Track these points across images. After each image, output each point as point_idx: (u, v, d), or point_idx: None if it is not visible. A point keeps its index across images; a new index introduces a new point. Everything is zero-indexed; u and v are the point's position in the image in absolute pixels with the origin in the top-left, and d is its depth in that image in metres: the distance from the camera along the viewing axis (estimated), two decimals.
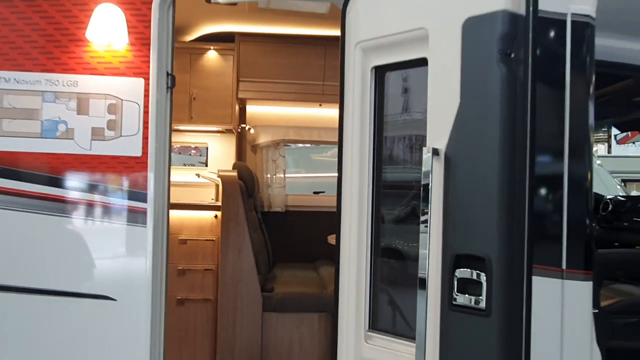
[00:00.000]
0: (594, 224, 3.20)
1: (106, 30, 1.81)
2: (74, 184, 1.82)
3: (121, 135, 1.84)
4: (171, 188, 2.06)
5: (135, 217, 1.84)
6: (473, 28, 1.51)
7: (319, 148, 4.93)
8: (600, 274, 2.39)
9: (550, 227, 1.81)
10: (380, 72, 1.78)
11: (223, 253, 3.36)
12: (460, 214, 1.53)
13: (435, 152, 1.55)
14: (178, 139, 4.26)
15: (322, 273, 3.88)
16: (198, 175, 4.27)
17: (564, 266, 1.84)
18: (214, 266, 3.67)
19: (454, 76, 1.53)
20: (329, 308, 3.21)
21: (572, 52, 1.81)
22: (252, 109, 4.53)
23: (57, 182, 1.82)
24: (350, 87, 1.81)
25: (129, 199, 1.84)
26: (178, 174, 4.13)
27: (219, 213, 3.55)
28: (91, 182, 1.83)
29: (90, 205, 1.83)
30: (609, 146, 20.53)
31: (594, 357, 1.86)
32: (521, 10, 1.49)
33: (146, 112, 1.85)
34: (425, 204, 1.55)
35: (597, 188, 7.74)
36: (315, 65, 4.13)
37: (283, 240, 4.42)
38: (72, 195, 1.82)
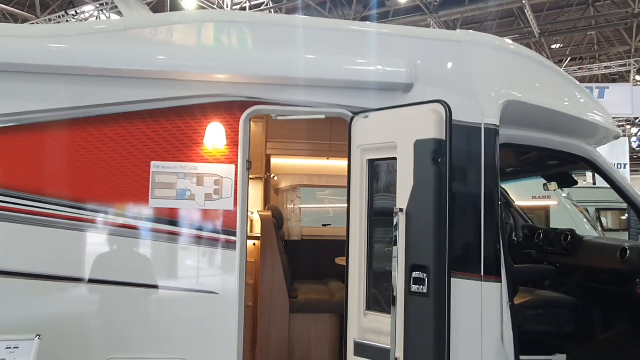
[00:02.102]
0: (508, 249, 4.52)
1: (214, 138, 3.15)
2: (196, 226, 3.13)
3: (222, 198, 3.16)
4: None
5: (229, 245, 3.14)
6: (419, 145, 2.85)
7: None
8: (516, 281, 3.70)
9: (473, 250, 3.11)
10: (371, 162, 3.14)
11: (261, 271, 4.65)
12: (414, 242, 2.84)
13: (401, 210, 2.88)
14: None
15: (330, 286, 5.16)
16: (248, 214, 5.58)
17: (482, 273, 3.13)
18: (253, 281, 4.96)
19: (410, 170, 2.87)
20: (337, 310, 4.48)
21: (486, 147, 3.16)
22: (275, 161, 5.87)
23: (186, 225, 3.13)
24: (355, 172, 3.16)
25: (226, 234, 3.15)
26: None
27: (257, 242, 4.85)
28: (206, 224, 3.14)
29: (204, 238, 3.13)
30: (594, 176, 21.81)
31: (504, 328, 3.11)
32: (443, 137, 2.84)
33: (236, 184, 3.17)
34: (396, 237, 2.87)
35: (562, 218, 9.11)
36: (324, 129, 5.44)
37: (300, 262, 5.70)
38: (196, 232, 3.12)
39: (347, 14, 16.58)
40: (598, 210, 12.80)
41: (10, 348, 2.64)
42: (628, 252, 3.85)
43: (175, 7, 14.87)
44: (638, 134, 24.44)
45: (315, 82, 3.19)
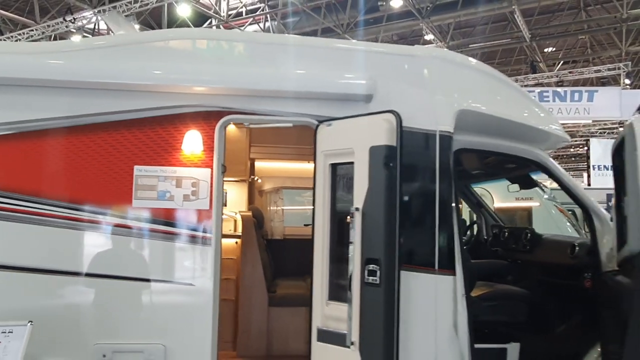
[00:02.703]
0: (464, 246, 4.85)
1: (192, 144, 3.49)
2: (175, 224, 3.46)
3: (198, 198, 3.49)
4: None
5: (205, 241, 3.47)
6: (374, 151, 3.18)
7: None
8: (473, 274, 4.02)
9: (428, 246, 3.44)
10: (333, 166, 3.47)
11: (242, 267, 4.98)
12: (368, 238, 3.17)
13: (357, 209, 3.21)
14: None
15: (309, 282, 5.47)
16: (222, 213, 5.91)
17: (436, 267, 3.46)
18: (234, 277, 5.29)
19: (366, 173, 3.20)
20: None
21: (440, 152, 3.49)
22: (259, 164, 6.21)
23: (165, 223, 3.46)
24: (319, 175, 3.49)
25: (202, 231, 3.48)
26: None
27: (238, 240, 5.19)
28: (184, 223, 3.47)
29: (182, 235, 3.46)
30: (588, 179, 22.10)
31: (458, 318, 3.43)
32: (394, 143, 3.17)
33: (211, 186, 3.50)
34: (354, 234, 3.20)
35: (545, 220, 9.40)
36: (305, 134, 5.75)
37: (282, 259, 6.03)
38: (175, 230, 3.45)
39: (341, 18, 16.92)
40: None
41: (5, 332, 2.97)
42: (577, 248, 4.17)
43: (171, 14, 15.23)
44: None
45: (284, 93, 3.52)
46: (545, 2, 16.09)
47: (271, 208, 6.16)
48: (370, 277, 3.12)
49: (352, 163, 3.28)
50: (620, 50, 19.38)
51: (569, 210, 11.23)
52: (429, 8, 16.00)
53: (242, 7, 16.43)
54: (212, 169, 3.50)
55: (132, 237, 3.44)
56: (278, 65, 3.58)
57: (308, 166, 6.18)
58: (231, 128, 5.94)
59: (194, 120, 3.51)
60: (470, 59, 3.97)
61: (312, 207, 3.58)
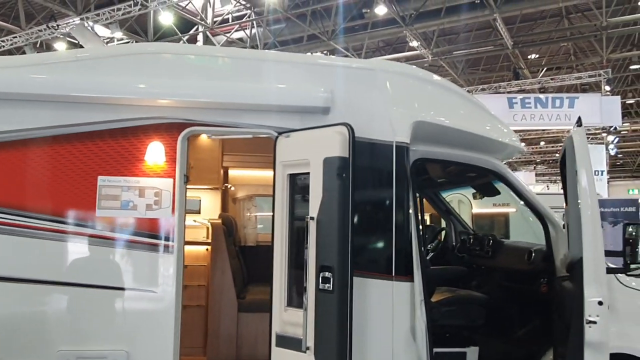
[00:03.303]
0: (428, 251, 4.99)
1: (154, 155, 3.59)
2: (138, 232, 3.56)
3: (161, 208, 3.60)
4: None
5: (167, 249, 3.58)
6: (327, 162, 3.30)
7: None
8: (432, 280, 4.15)
9: (385, 253, 3.56)
10: (291, 176, 3.59)
11: (212, 273, 5.08)
12: (322, 246, 3.29)
13: (312, 218, 3.32)
14: None
15: None
16: (195, 221, 6.01)
17: (393, 274, 3.58)
18: (205, 283, 5.38)
19: (320, 183, 3.32)
20: None
21: (397, 161, 3.62)
22: (233, 173, 6.32)
23: (129, 232, 3.56)
24: (278, 184, 3.61)
25: (164, 239, 3.58)
26: None
27: (209, 247, 5.28)
28: (146, 231, 3.57)
29: (145, 244, 3.56)
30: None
31: (416, 323, 3.54)
32: (347, 155, 3.29)
33: (174, 195, 3.61)
34: (309, 242, 3.32)
35: (521, 225, 9.53)
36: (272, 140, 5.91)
37: (255, 266, 6.12)
38: (137, 238, 3.55)
39: (326, 25, 17.10)
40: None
41: None
42: (533, 254, 4.32)
43: (157, 21, 15.31)
44: (615, 142, 25.11)
45: (244, 106, 3.65)
46: (527, 10, 16.35)
47: (244, 215, 6.26)
48: (324, 284, 3.23)
49: (308, 173, 3.40)
50: (601, 57, 19.70)
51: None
52: (412, 15, 16.19)
53: (227, 14, 16.53)
54: (174, 179, 3.61)
55: (95, 246, 3.53)
56: (238, 79, 3.71)
57: None
58: (204, 137, 6.07)
59: (157, 132, 3.62)
60: (432, 74, 4.12)
61: (272, 215, 3.69)
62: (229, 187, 6.24)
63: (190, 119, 3.65)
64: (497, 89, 20.44)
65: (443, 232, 6.06)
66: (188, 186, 5.95)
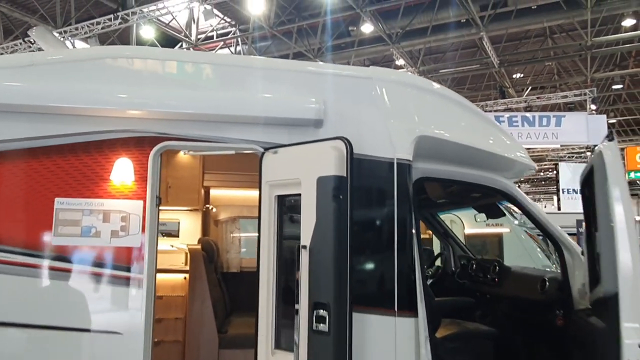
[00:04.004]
0: (430, 281, 4.55)
1: (122, 173, 3.12)
2: (101, 263, 3.06)
3: (128, 234, 3.11)
4: None
5: (136, 282, 3.08)
6: (321, 182, 2.87)
7: None
8: (437, 314, 3.70)
9: (386, 285, 3.11)
10: (279, 198, 3.14)
11: (190, 305, 4.57)
12: (316, 280, 2.83)
13: (304, 247, 2.87)
14: None
15: None
16: (172, 245, 5.51)
17: (396, 309, 3.13)
18: (183, 315, 4.86)
19: (313, 206, 2.88)
20: None
21: (398, 181, 3.20)
22: (215, 192, 5.85)
23: (90, 263, 3.06)
24: (265, 207, 3.16)
25: (132, 271, 3.09)
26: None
27: (187, 275, 4.78)
28: (111, 262, 3.08)
29: (109, 276, 3.07)
30: (558, 202, 22.33)
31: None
32: (344, 173, 2.86)
33: (144, 220, 3.13)
34: (300, 275, 2.86)
35: (515, 246, 9.18)
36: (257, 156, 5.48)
37: (239, 294, 5.62)
38: (100, 270, 3.05)
39: (312, 43, 16.87)
40: None
41: None
42: (547, 283, 3.91)
43: (140, 36, 14.88)
44: None
45: (225, 117, 3.21)
46: (512, 29, 16.36)
47: (227, 239, 5.77)
48: (319, 324, 2.77)
49: (299, 195, 2.96)
50: (585, 76, 19.82)
51: (538, 235, 11.08)
52: (399, 34, 16.10)
53: (212, 31, 16.20)
54: (145, 201, 3.14)
55: (51, 279, 3.03)
56: (219, 87, 3.27)
57: None
58: (182, 154, 5.60)
59: (125, 147, 3.16)
60: (433, 83, 3.72)
61: (257, 242, 3.23)
62: (210, 208, 5.76)
63: (163, 132, 3.20)
64: (484, 107, 20.35)
65: (442, 257, 5.63)
66: (165, 207, 5.54)
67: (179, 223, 5.74)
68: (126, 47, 4.75)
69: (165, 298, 4.88)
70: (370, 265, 3.10)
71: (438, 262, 5.79)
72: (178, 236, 5.72)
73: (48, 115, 3.07)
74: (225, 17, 15.77)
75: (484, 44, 16.75)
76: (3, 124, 3.03)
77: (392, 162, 3.20)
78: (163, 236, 5.74)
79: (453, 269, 5.53)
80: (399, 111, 3.36)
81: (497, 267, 4.56)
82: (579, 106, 21.76)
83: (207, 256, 4.78)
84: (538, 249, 10.73)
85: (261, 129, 3.25)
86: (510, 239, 10.54)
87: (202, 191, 5.59)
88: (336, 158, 2.85)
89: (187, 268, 4.89)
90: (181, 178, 5.46)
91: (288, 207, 3.13)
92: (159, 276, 4.94)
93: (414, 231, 3.26)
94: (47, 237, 3.04)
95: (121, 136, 3.16)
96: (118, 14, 12.25)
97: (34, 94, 3.02)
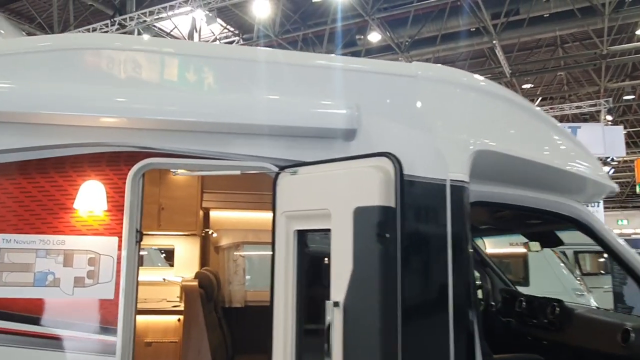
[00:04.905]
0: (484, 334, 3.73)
1: (89, 201, 2.35)
2: (61, 323, 2.28)
3: (98, 283, 2.33)
4: (140, 287, 2.48)
5: (107, 348, 2.30)
6: (360, 214, 2.10)
7: None
8: None
9: (438, 352, 2.31)
10: (300, 235, 2.36)
11: (184, 355, 3.77)
12: (354, 349, 2.04)
13: (337, 304, 2.09)
14: (146, 242, 4.72)
15: None
16: (164, 279, 4.72)
17: None
18: None
19: (349, 248, 2.10)
20: None
21: (453, 208, 2.42)
22: (215, 214, 5.07)
23: (46, 322, 2.28)
24: (280, 245, 2.38)
25: (103, 333, 2.30)
26: (147, 274, 4.55)
27: (181, 317, 3.99)
28: (74, 321, 2.29)
29: (71, 340, 2.28)
30: None
31: None
32: (392, 203, 2.09)
33: (119, 263, 2.35)
34: (332, 342, 2.07)
35: (539, 264, 8.31)
36: (268, 178, 4.72)
37: (243, 333, 4.83)
38: (60, 332, 2.27)
39: (318, 51, 16.31)
40: (576, 253, 12.33)
41: None
42: (632, 335, 3.10)
43: None
44: (610, 172, 24.56)
45: (228, 127, 2.43)
46: (524, 38, 15.77)
47: (229, 268, 4.98)
48: None
49: (327, 231, 2.18)
50: (598, 86, 19.23)
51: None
52: (407, 43, 15.52)
53: (214, 40, 15.60)
54: (120, 237, 2.36)
55: None
56: (220, 87, 2.49)
57: None
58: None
59: (94, 165, 2.40)
60: (493, 82, 2.94)
61: (270, 289, 2.44)
62: (210, 232, 4.97)
63: (145, 145, 2.43)
64: None
65: (480, 290, 4.82)
66: (159, 232, 4.78)
67: (173, 250, 4.96)
68: (96, 35, 3.93)
69: (155, 345, 4.08)
70: (422, 328, 2.30)
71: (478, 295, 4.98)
72: (172, 265, 4.95)
73: None
74: (228, 26, 15.16)
75: (497, 52, 16.15)
76: None
77: (443, 184, 2.43)
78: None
79: (492, 303, 4.72)
80: (451, 118, 2.60)
81: (558, 308, 3.75)
82: (590, 118, 21.14)
83: (205, 294, 3.99)
84: (561, 264, 9.97)
85: (274, 141, 2.48)
86: (537, 260, 9.74)
87: (201, 213, 4.81)
88: (381, 182, 2.07)
89: (182, 306, 4.10)
90: (176, 198, 4.69)
91: (312, 247, 2.35)
92: (147, 318, 4.21)
93: (472, 279, 2.49)
94: None
95: (89, 151, 2.40)
96: (115, 19, 11.57)
97: None
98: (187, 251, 4.99)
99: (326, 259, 2.22)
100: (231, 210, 5.00)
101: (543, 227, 3.72)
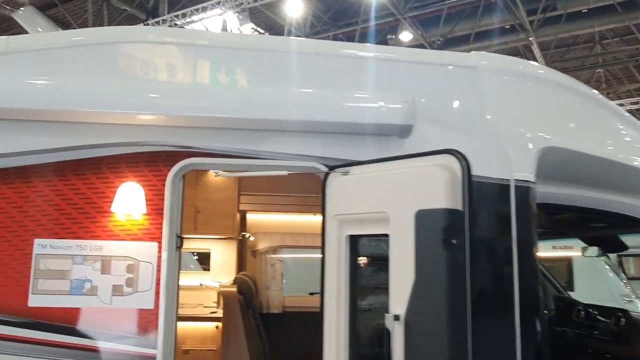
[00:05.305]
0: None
1: (127, 204, 2.21)
2: (98, 334, 2.14)
3: (137, 291, 2.19)
4: None
5: None
6: (423, 218, 1.89)
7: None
8: None
9: None
10: (352, 240, 2.16)
11: None
12: None
13: (397, 317, 1.88)
14: (184, 247, 4.60)
15: None
16: (201, 284, 4.59)
17: None
18: None
19: (410, 255, 1.89)
20: None
21: (518, 211, 2.19)
22: (252, 217, 4.92)
23: (82, 333, 2.14)
24: (331, 251, 2.18)
25: (140, 345, 2.16)
26: (182, 278, 4.42)
27: (219, 324, 3.84)
28: (112, 332, 2.15)
29: (109, 353, 2.14)
30: None
31: None
32: (459, 206, 1.87)
33: (159, 270, 2.21)
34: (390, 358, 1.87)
35: (583, 267, 7.90)
36: (308, 179, 4.54)
37: (281, 340, 4.65)
38: (96, 344, 2.13)
39: None
40: (619, 256, 11.84)
41: None
42: None
43: None
44: None
45: (272, 124, 2.26)
46: (561, 34, 15.22)
47: (267, 273, 4.82)
48: None
49: (386, 237, 1.98)
50: (639, 83, 18.45)
51: None
52: (440, 42, 15.18)
53: None
54: (160, 242, 2.21)
55: (24, 357, 2.10)
56: (269, 82, 2.32)
57: (314, 219, 4.94)
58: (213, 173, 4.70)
59: (132, 166, 2.26)
60: (560, 73, 2.69)
61: (320, 298, 2.25)
62: (247, 236, 4.82)
63: (186, 144, 2.27)
64: None
65: None
66: (194, 235, 4.65)
67: (209, 254, 4.83)
68: (131, 28, 3.74)
69: (193, 353, 3.95)
70: (490, 344, 2.07)
71: None
72: (208, 269, 4.82)
73: (23, 122, 2.18)
74: (259, 28, 15.12)
75: (533, 50, 15.64)
76: None
77: (507, 184, 2.20)
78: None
79: (545, 311, 4.43)
80: (515, 113, 2.37)
81: (623, 319, 3.45)
82: (635, 114, 20.35)
83: (244, 300, 3.83)
84: (606, 266, 9.50)
85: (323, 139, 2.29)
86: (582, 264, 9.29)
87: (238, 216, 4.67)
88: (447, 182, 1.86)
89: (219, 312, 3.95)
90: (213, 201, 4.56)
91: (367, 254, 2.15)
92: (184, 325, 4.07)
93: (539, 286, 2.25)
94: (21, 296, 2.13)
95: (127, 151, 2.26)
96: (148, 22, 11.64)
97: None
98: (223, 255, 4.86)
99: (382, 265, 2.02)
100: (269, 213, 4.85)
101: (607, 230, 3.44)
